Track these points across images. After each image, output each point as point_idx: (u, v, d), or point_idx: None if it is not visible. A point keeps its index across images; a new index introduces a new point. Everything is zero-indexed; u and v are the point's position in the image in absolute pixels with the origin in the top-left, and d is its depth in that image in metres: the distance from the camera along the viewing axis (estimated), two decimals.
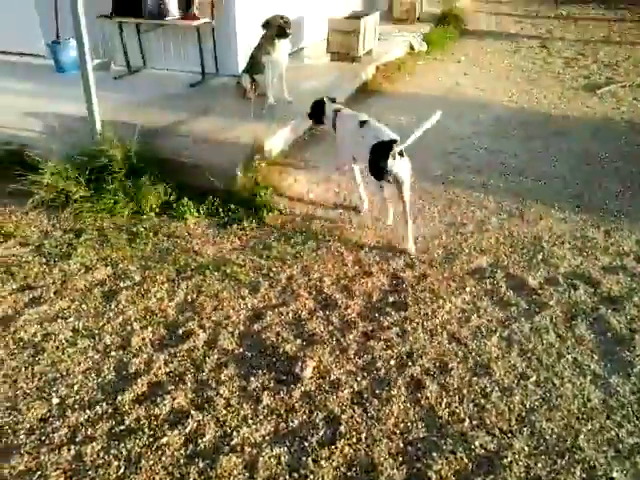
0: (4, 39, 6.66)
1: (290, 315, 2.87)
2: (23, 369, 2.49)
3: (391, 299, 3.01)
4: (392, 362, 2.57)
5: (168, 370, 2.51)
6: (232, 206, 3.78)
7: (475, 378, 2.51)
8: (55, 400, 2.35)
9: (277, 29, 4.76)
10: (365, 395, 2.41)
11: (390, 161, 3.07)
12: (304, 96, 5.39)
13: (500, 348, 2.68)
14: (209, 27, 5.56)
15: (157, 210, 3.76)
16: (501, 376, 2.52)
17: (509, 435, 2.25)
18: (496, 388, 2.46)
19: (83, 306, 2.90)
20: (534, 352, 2.66)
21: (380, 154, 3.10)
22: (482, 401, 2.40)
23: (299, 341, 2.69)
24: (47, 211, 3.73)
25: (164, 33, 5.93)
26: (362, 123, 3.37)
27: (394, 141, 3.07)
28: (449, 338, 2.73)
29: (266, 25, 4.81)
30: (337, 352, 2.63)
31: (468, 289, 3.09)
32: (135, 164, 3.83)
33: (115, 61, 6.20)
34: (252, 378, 2.47)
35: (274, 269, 3.23)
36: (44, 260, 3.26)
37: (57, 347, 2.62)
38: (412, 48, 7.96)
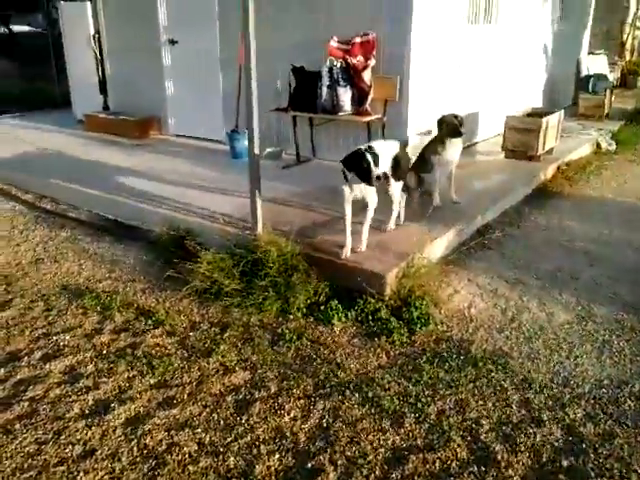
0: (194, 126, 7.50)
1: (437, 465, 2.40)
2: None
3: (565, 463, 2.41)
4: None
5: None
6: (383, 315, 3.46)
7: None
8: None
9: (450, 128, 4.54)
10: None
11: None
12: (473, 197, 5.06)
13: None
14: (380, 122, 5.51)
15: (304, 310, 3.56)
16: None
17: None
18: None
19: (214, 415, 2.71)
20: None
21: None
22: None
23: None
24: (199, 300, 3.71)
25: (335, 126, 6.01)
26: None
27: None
28: None
29: (440, 123, 4.63)
30: None
31: None
32: (289, 260, 3.72)
33: (286, 150, 6.39)
34: None
35: (423, 398, 2.81)
36: (186, 354, 3.18)
37: (179, 462, 2.42)
38: (599, 147, 7.26)
